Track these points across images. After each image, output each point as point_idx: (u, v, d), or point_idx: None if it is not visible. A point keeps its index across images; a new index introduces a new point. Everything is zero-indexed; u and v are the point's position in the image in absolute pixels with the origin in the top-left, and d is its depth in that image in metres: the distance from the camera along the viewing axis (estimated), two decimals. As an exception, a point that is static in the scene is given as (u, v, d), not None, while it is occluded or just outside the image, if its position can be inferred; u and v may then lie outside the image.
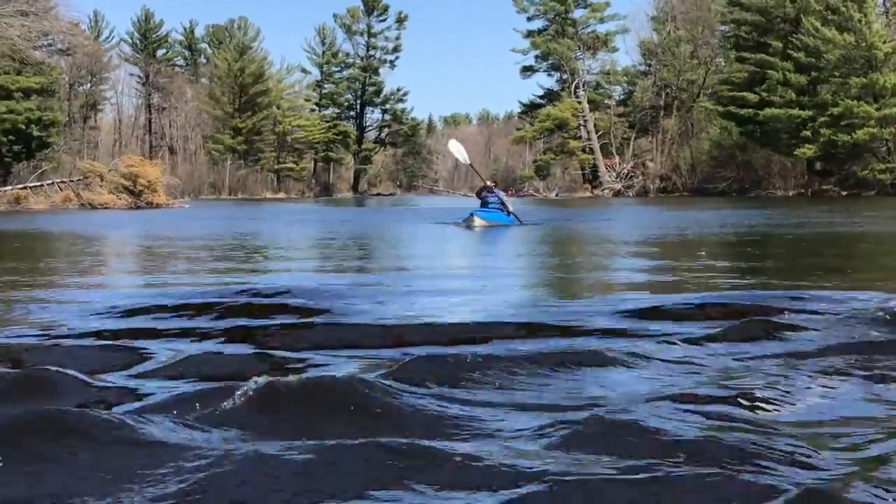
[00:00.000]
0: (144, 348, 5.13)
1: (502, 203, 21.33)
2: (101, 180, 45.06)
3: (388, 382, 3.77)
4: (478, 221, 19.92)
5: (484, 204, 21.21)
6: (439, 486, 2.64)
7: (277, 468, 2.77)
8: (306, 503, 2.54)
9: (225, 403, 3.40)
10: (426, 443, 3.00)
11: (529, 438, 3.11)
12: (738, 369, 4.38)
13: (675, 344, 5.07)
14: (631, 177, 71.84)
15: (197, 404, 3.46)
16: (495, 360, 4.37)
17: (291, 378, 3.73)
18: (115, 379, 4.26)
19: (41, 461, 2.83)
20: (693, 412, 3.48)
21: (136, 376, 4.35)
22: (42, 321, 6.46)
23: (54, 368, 4.21)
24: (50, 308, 7.44)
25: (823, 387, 4.08)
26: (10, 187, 44.11)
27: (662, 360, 4.53)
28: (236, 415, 3.34)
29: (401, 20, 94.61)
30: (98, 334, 5.73)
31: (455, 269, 11.81)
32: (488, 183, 22.00)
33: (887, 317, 5.59)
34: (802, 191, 57.17)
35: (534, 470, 2.78)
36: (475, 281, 9.50)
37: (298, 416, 3.37)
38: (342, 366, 4.54)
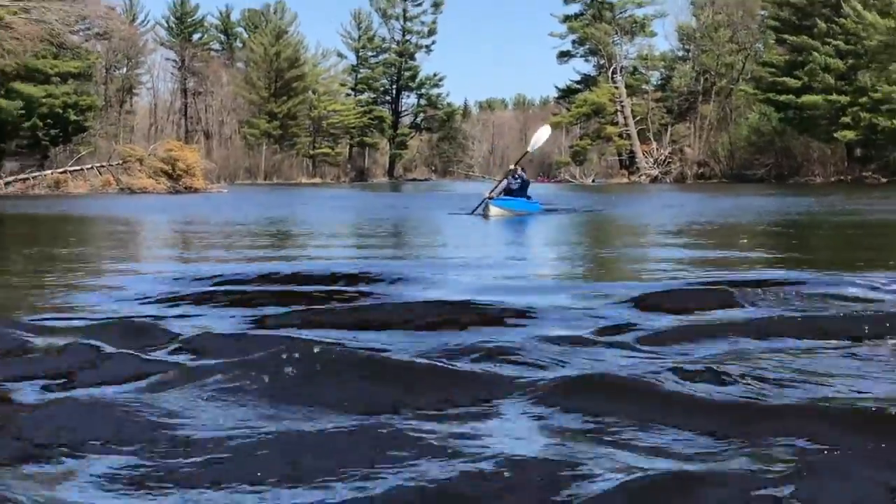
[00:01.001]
0: (186, 326, 5.33)
1: (523, 184, 20.06)
2: (141, 164, 45.29)
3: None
4: (494, 210, 18.70)
5: (507, 191, 19.97)
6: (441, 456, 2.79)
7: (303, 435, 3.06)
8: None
9: (264, 373, 3.72)
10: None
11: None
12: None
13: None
14: (668, 163, 71.81)
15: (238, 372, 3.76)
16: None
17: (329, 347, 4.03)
18: (161, 355, 4.49)
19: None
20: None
21: (172, 352, 4.59)
22: (92, 301, 6.71)
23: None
24: (102, 289, 7.67)
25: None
26: (50, 171, 44.43)
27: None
28: (274, 381, 3.65)
29: (437, 4, 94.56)
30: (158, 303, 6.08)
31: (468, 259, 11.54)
32: (511, 167, 20.95)
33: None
34: (842, 177, 56.73)
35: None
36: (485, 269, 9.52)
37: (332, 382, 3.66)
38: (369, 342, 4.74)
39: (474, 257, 11.13)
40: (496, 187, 20.56)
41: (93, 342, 4.69)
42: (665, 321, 5.45)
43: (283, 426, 3.17)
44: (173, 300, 6.68)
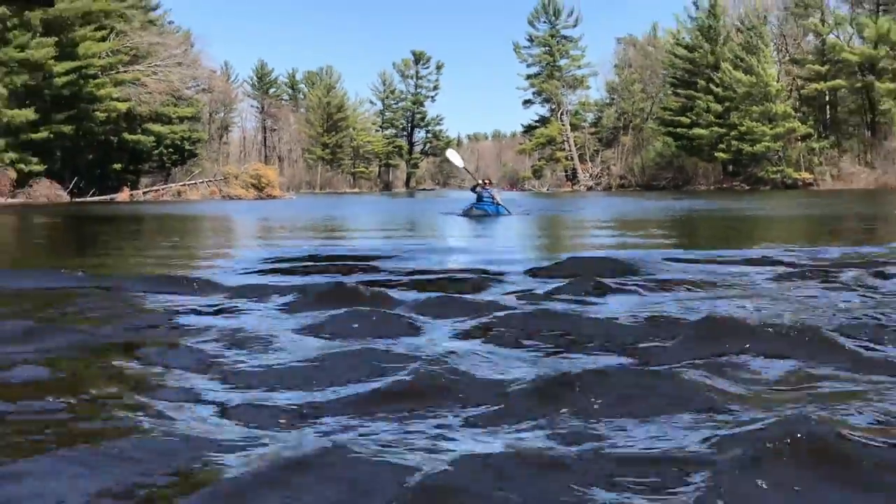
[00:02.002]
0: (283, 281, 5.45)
1: (492, 198, 18.04)
2: (236, 179, 45.37)
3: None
4: (474, 212, 17.19)
5: (479, 199, 17.99)
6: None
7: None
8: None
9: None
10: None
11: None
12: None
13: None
14: (599, 177, 71.11)
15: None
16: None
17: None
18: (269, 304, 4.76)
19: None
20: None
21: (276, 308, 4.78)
22: (206, 272, 6.79)
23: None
24: (219, 259, 7.97)
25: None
26: (173, 184, 44.76)
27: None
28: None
29: (439, 67, 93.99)
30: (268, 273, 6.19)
31: (462, 242, 11.54)
32: (482, 181, 18.69)
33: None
34: (719, 186, 56.64)
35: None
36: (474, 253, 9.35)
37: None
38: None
39: (455, 244, 11.11)
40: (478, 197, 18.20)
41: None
42: (555, 283, 5.24)
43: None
44: (268, 269, 6.79)
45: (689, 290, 5.04)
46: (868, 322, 3.81)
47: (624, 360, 3.15)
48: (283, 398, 2.68)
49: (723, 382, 2.72)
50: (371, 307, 4.25)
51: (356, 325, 3.82)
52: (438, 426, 2.34)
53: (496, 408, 2.49)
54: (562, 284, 5.12)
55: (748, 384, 2.75)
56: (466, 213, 17.42)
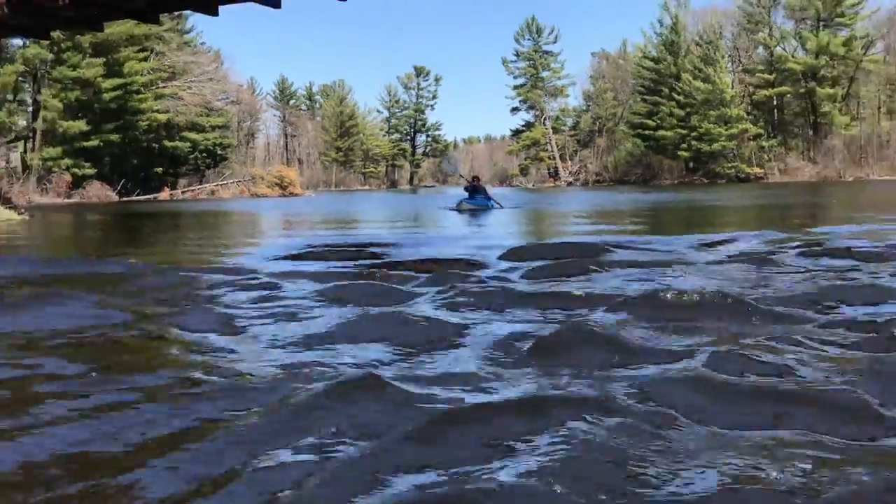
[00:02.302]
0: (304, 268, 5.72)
1: (485, 193, 17.72)
2: (262, 179, 45.58)
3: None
4: (465, 206, 16.31)
5: (471, 195, 17.21)
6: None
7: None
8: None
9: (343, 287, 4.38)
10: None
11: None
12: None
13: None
14: (578, 174, 70.81)
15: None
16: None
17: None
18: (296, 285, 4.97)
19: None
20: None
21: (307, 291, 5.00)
22: (241, 259, 7.08)
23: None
24: (250, 249, 8.15)
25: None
26: (207, 185, 44.88)
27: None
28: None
29: (437, 79, 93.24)
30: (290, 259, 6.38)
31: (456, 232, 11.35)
32: (473, 178, 18.51)
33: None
34: (682, 181, 56.54)
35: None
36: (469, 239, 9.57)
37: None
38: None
39: (450, 233, 10.99)
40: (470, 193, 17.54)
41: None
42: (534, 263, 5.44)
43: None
44: (292, 255, 6.92)
45: (637, 268, 5.20)
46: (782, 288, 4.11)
47: (570, 320, 3.43)
48: (317, 352, 2.98)
49: (651, 337, 3.04)
50: (377, 283, 4.56)
51: (366, 296, 4.13)
52: (441, 368, 2.68)
53: (489, 354, 2.83)
54: (526, 267, 5.32)
55: (669, 338, 3.04)
56: (458, 209, 16.46)
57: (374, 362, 2.74)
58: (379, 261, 6.35)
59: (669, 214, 15.87)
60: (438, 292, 4.27)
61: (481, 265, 5.74)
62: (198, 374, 2.59)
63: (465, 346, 2.97)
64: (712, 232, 8.81)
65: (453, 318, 3.52)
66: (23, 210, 20.39)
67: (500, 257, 6.20)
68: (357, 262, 6.12)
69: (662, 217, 15.15)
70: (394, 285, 4.56)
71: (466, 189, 17.82)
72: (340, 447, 1.85)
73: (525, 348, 2.85)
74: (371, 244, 7.89)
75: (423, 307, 3.87)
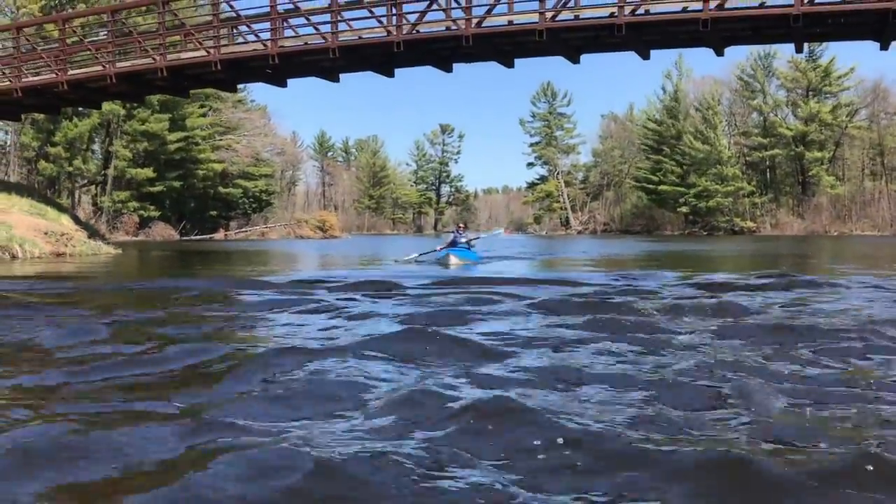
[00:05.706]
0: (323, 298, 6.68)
1: (467, 243, 14.93)
2: (306, 223, 46.65)
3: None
4: (453, 261, 13.41)
5: (453, 244, 14.87)
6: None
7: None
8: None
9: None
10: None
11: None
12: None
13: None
14: (587, 223, 71.27)
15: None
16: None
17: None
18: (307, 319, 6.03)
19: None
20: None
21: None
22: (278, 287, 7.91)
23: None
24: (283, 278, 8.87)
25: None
26: (257, 227, 45.99)
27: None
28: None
29: (461, 136, 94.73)
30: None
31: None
32: (458, 226, 16.07)
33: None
34: (682, 232, 56.89)
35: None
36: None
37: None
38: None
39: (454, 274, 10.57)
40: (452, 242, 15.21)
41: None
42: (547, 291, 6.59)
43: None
44: (325, 285, 7.68)
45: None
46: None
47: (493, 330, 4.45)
48: (335, 357, 4.10)
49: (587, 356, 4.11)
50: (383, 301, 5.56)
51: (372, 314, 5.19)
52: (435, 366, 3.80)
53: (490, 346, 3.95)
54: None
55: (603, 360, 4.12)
56: (442, 263, 13.66)
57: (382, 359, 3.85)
58: (396, 290, 7.32)
59: (676, 259, 16.39)
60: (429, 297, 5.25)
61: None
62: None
63: (461, 347, 4.05)
64: (688, 272, 9.87)
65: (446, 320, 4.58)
66: (116, 245, 21.44)
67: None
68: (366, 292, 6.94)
69: (671, 260, 15.67)
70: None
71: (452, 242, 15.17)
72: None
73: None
74: (385, 280, 8.34)
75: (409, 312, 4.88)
